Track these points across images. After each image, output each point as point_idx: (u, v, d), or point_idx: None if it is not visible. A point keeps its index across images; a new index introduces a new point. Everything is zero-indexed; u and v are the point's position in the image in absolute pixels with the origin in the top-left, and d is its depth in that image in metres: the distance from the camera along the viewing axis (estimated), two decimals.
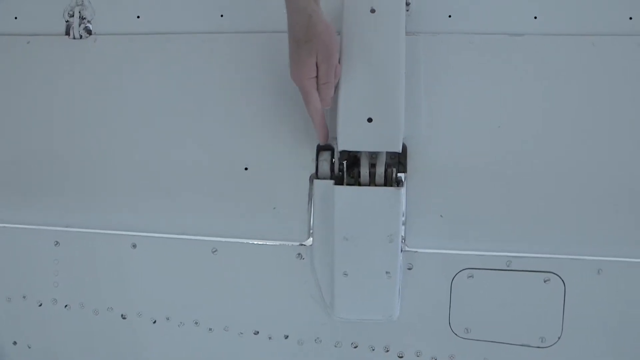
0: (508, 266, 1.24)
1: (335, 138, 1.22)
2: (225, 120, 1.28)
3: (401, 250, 1.23)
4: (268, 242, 1.26)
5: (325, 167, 1.25)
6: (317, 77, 1.15)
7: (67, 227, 1.29)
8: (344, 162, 1.24)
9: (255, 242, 1.27)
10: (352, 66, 1.19)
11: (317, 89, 1.17)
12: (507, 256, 1.23)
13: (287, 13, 1.14)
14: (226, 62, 1.28)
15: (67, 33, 1.34)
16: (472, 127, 1.25)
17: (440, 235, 1.25)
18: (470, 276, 1.24)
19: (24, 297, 1.30)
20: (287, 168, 1.26)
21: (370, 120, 1.18)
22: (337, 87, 1.19)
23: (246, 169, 1.27)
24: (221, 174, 1.27)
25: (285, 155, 1.26)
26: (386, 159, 1.23)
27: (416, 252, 1.25)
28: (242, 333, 1.26)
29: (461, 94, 1.26)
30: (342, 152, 1.24)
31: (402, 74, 1.19)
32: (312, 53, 1.12)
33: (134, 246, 1.28)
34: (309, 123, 1.23)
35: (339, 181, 1.24)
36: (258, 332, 1.27)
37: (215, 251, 1.27)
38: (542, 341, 1.23)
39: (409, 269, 1.25)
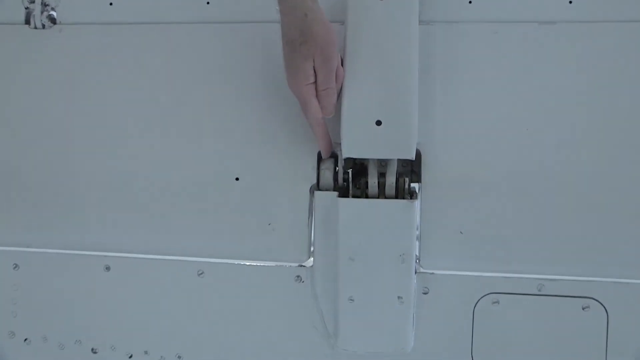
0: (540, 290, 1.12)
1: (339, 144, 1.10)
2: (212, 123, 1.16)
3: (415, 272, 1.12)
4: (262, 263, 1.15)
5: (327, 177, 1.14)
6: (315, 83, 1.05)
7: (27, 247, 1.18)
8: (349, 171, 1.13)
9: (248, 263, 1.16)
10: (357, 61, 1.08)
11: (317, 96, 1.06)
12: (539, 279, 1.12)
13: (280, 12, 1.04)
14: (212, 56, 1.17)
15: (28, 22, 1.23)
16: (496, 130, 1.12)
17: (460, 255, 1.13)
18: (495, 302, 1.13)
19: None
20: (283, 178, 1.15)
21: (379, 123, 1.07)
22: (340, 89, 1.09)
23: (237, 179, 1.16)
24: (208, 184, 1.16)
25: (282, 163, 1.15)
26: (397, 167, 1.12)
27: (432, 274, 1.13)
28: None
29: (484, 91, 1.13)
30: (347, 160, 1.13)
31: (415, 69, 1.08)
32: (308, 57, 1.03)
33: (107, 268, 1.17)
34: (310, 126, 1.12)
35: (343, 193, 1.13)
36: None
37: (201, 274, 1.16)
38: None
39: (425, 293, 1.13)
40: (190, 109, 1.17)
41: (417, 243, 1.13)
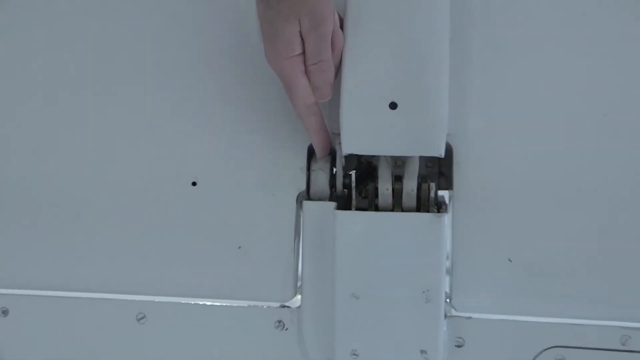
0: (624, 344, 0.96)
1: (338, 135, 0.95)
2: (162, 108, 1.02)
3: (445, 316, 0.96)
4: (228, 303, 1.01)
5: (321, 182, 0.99)
6: (304, 54, 0.91)
7: None
8: (352, 174, 0.99)
9: (208, 303, 1.01)
10: (363, 23, 0.94)
11: (306, 72, 0.93)
12: (622, 328, 0.96)
13: None
14: (169, 23, 1.03)
15: None
16: (559, 117, 0.97)
17: (508, 292, 0.98)
18: (560, 359, 0.97)
19: None
20: (259, 182, 1.01)
21: (393, 106, 0.92)
22: (339, 62, 0.95)
23: (194, 183, 1.01)
24: (153, 192, 1.02)
25: (258, 161, 1.01)
26: (420, 168, 0.97)
27: (469, 318, 0.98)
28: None
29: (540, 66, 0.98)
30: (349, 158, 0.99)
31: (446, 31, 0.93)
32: (291, 17, 0.89)
33: (4, 313, 1.04)
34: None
35: (343, 204, 0.99)
36: None
37: (141, 318, 1.01)
38: None
39: (459, 346, 0.98)
40: (135, 89, 1.03)
41: (448, 275, 0.99)
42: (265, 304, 1.00)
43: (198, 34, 1.03)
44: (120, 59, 1.05)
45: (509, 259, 0.97)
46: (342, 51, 0.93)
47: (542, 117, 0.98)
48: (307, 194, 0.99)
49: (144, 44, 1.05)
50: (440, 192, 0.99)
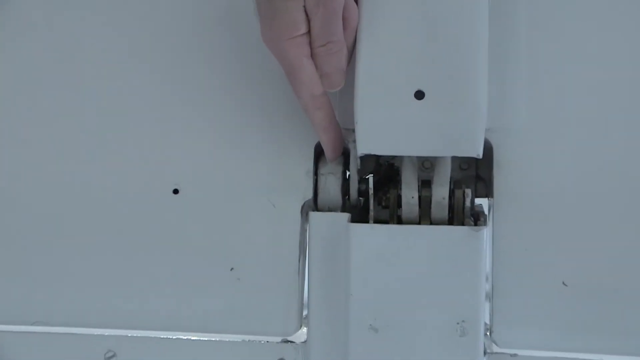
0: None
1: (352, 131, 0.87)
2: (141, 107, 0.95)
3: (484, 353, 0.88)
4: (219, 338, 0.93)
5: (332, 188, 0.92)
6: (309, 34, 0.84)
7: None
8: (369, 178, 0.91)
9: (192, 338, 0.93)
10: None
11: (312, 56, 0.86)
12: None
13: None
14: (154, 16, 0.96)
15: None
16: (627, 110, 0.90)
17: (563, 324, 0.89)
18: None
19: None
20: (256, 189, 0.93)
21: (420, 95, 0.84)
22: (353, 44, 0.87)
23: (175, 191, 0.94)
24: (124, 202, 0.94)
25: (253, 164, 0.93)
26: (453, 171, 0.90)
27: (515, 356, 0.90)
28: None
29: (602, 44, 0.90)
30: (366, 159, 0.91)
31: (485, 7, 0.85)
32: None
33: None
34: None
35: (359, 215, 0.91)
36: None
37: (111, 357, 0.94)
38: None
39: None
40: (112, 86, 0.96)
41: (488, 303, 0.91)
42: (263, 339, 0.91)
43: (181, 18, 0.96)
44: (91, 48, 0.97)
45: (564, 283, 0.87)
46: (356, 30, 0.84)
47: (606, 110, 0.89)
48: (314, 204, 0.90)
49: (122, 37, 0.98)
50: (478, 201, 0.90)
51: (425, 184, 0.86)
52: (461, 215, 0.86)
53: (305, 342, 0.89)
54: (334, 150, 0.87)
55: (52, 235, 0.94)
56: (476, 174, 0.90)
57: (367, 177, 0.88)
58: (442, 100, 0.82)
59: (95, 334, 0.92)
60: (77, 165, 0.94)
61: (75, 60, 0.97)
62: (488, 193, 0.88)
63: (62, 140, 0.95)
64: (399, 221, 0.86)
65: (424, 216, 0.86)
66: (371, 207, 0.87)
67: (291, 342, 0.90)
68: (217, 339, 0.91)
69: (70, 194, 0.94)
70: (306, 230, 0.89)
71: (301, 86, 0.83)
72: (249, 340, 0.90)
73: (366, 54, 0.83)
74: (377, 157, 0.88)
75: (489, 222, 0.87)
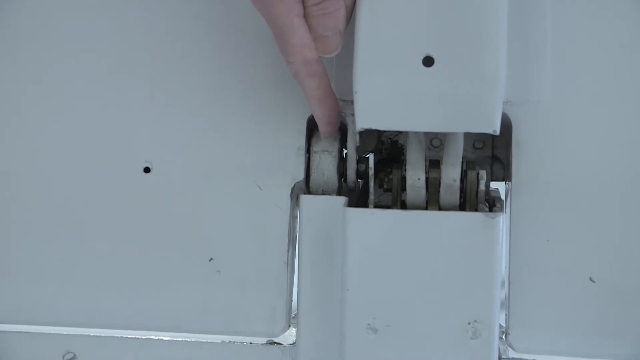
0: None
1: (350, 102, 0.82)
2: (112, 78, 0.89)
3: (499, 358, 0.83)
4: (196, 338, 0.87)
5: (326, 168, 0.87)
6: None
7: None
8: (369, 157, 0.84)
9: (164, 338, 0.87)
10: None
11: (305, 15, 0.80)
12: None
13: None
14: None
15: None
16: None
17: (588, 326, 0.83)
18: None
19: None
20: (239, 169, 0.87)
21: (429, 61, 0.78)
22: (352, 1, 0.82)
23: (147, 170, 0.88)
24: (86, 181, 0.88)
25: (236, 140, 0.88)
26: (466, 150, 0.86)
27: None
28: None
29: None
30: (366, 135, 0.88)
31: None
32: None
33: None
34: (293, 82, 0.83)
35: (357, 199, 0.87)
36: None
37: (70, 359, 0.88)
38: None
39: None
40: (80, 64, 0.89)
41: (504, 303, 0.86)
42: (246, 340, 0.87)
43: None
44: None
45: (591, 279, 0.81)
46: None
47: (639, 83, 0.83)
48: (306, 186, 0.85)
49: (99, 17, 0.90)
50: (494, 184, 0.85)
51: (433, 165, 0.81)
52: (474, 200, 0.80)
53: (293, 344, 0.84)
54: (329, 124, 0.81)
55: (12, 223, 0.88)
56: (492, 154, 0.86)
57: (366, 155, 0.83)
58: (453, 68, 0.75)
59: (51, 332, 0.86)
60: (43, 145, 0.88)
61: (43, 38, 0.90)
62: (505, 176, 0.83)
63: (27, 117, 0.89)
64: (403, 206, 0.81)
65: (432, 201, 0.81)
66: (371, 189, 0.81)
67: (278, 344, 0.86)
68: (193, 340, 0.86)
69: (31, 178, 0.88)
70: (296, 216, 0.84)
71: (292, 50, 0.77)
72: (229, 342, 0.86)
73: (367, 14, 0.77)
74: (379, 133, 0.84)
75: (506, 209, 0.82)
